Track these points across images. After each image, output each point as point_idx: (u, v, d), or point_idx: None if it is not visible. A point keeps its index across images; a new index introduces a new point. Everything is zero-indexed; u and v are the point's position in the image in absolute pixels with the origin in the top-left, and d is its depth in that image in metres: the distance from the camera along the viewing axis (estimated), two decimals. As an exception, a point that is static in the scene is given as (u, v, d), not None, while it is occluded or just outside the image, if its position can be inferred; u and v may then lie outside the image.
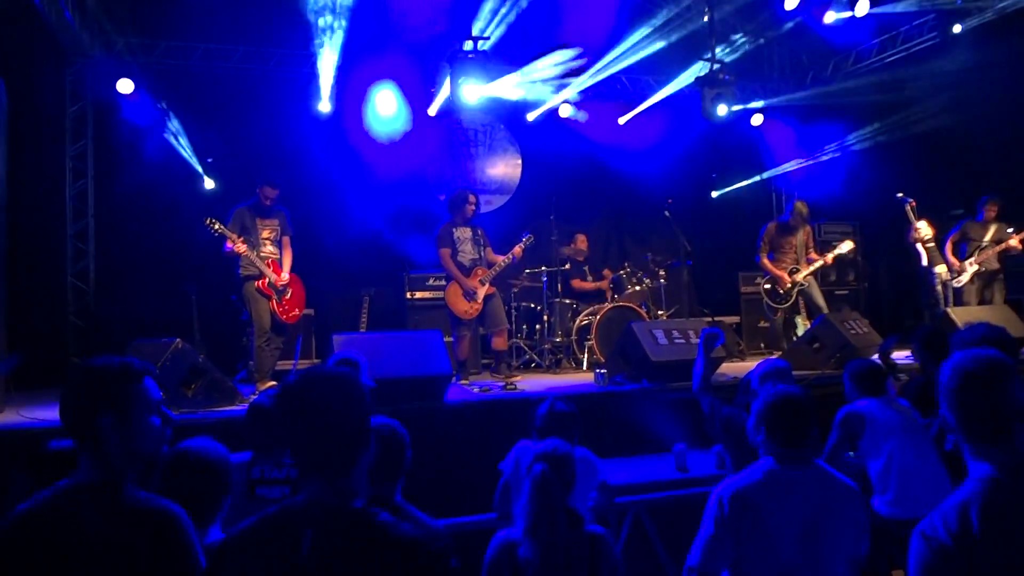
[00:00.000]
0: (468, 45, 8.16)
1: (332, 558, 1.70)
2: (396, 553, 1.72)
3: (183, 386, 5.64)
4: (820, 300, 8.36)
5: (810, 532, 2.73)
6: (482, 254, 7.83)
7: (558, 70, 10.03)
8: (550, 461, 2.80)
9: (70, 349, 8.53)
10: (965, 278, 8.62)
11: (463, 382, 7.32)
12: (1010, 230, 8.62)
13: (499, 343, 7.80)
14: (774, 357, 6.90)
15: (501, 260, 7.75)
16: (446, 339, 6.64)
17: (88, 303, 8.82)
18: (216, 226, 6.62)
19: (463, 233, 7.79)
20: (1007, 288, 8.89)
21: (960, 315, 7.60)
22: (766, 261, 8.49)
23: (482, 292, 7.64)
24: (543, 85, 10.28)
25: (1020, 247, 8.57)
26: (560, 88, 10.36)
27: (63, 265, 8.77)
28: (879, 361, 5.26)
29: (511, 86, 9.86)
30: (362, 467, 1.84)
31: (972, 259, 8.65)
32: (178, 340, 5.72)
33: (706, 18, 8.66)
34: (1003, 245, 8.57)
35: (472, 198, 7.90)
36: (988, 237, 8.66)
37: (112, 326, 8.27)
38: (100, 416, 2.01)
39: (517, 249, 7.81)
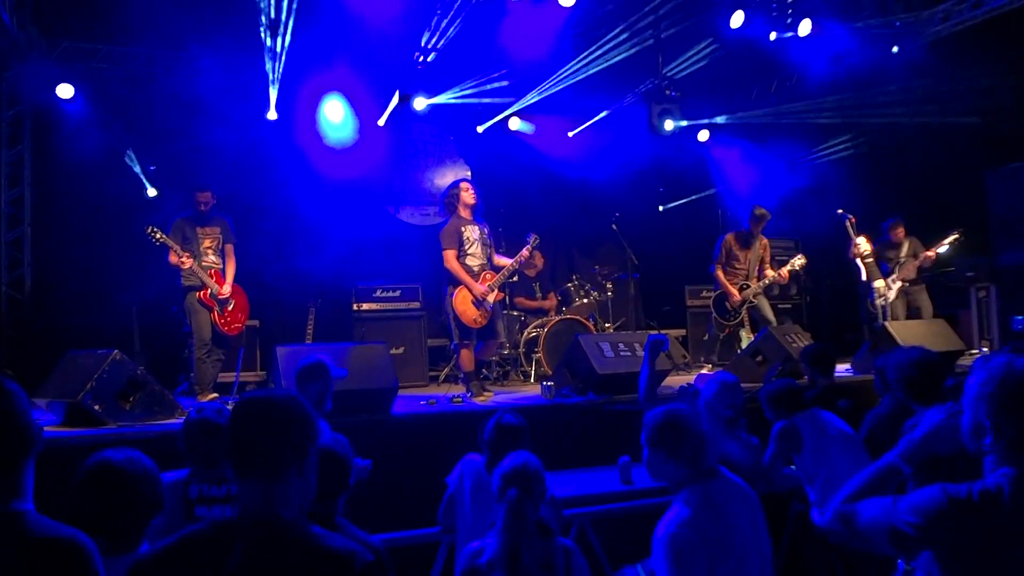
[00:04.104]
0: (418, 57, 8.14)
1: (261, 573, 1.67)
2: (327, 566, 1.70)
3: (120, 399, 5.49)
4: (770, 315, 8.45)
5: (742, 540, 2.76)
6: (488, 256, 7.12)
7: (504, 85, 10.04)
8: (522, 482, 2.77)
9: (3, 361, 8.26)
10: (892, 295, 8.89)
11: (479, 399, 6.72)
12: (926, 251, 8.91)
13: (489, 352, 7.32)
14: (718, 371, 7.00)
15: (509, 263, 7.03)
16: (393, 350, 6.56)
17: (23, 314, 8.54)
18: (158, 235, 6.52)
19: (471, 233, 6.98)
20: (933, 301, 9.14)
21: (898, 329, 7.79)
22: (720, 273, 8.50)
23: (492, 298, 6.95)
24: (492, 97, 10.29)
25: (934, 257, 8.90)
26: (510, 101, 10.38)
27: (-3, 274, 8.51)
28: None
29: (460, 98, 9.85)
30: (291, 475, 1.81)
31: (894, 276, 8.96)
32: (116, 351, 5.58)
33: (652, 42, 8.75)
34: (920, 259, 8.87)
35: (465, 185, 7.11)
36: (904, 252, 9.01)
37: (48, 338, 8.02)
38: None
39: (525, 251, 7.17)
